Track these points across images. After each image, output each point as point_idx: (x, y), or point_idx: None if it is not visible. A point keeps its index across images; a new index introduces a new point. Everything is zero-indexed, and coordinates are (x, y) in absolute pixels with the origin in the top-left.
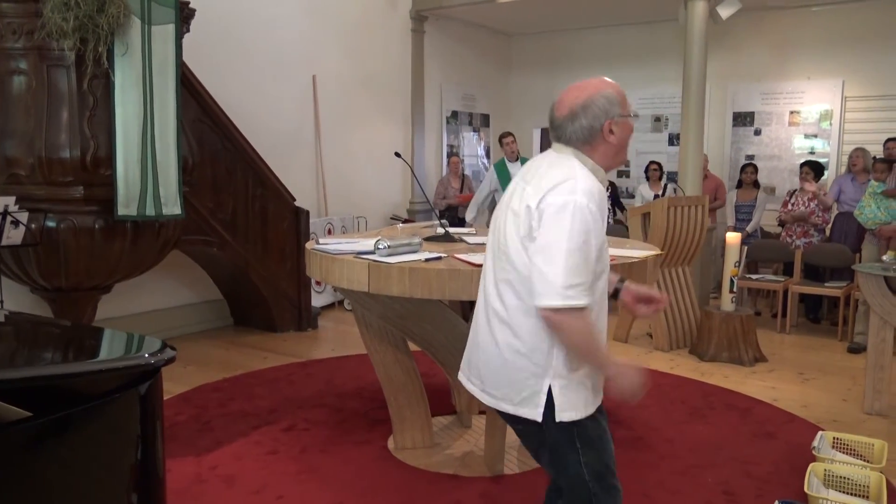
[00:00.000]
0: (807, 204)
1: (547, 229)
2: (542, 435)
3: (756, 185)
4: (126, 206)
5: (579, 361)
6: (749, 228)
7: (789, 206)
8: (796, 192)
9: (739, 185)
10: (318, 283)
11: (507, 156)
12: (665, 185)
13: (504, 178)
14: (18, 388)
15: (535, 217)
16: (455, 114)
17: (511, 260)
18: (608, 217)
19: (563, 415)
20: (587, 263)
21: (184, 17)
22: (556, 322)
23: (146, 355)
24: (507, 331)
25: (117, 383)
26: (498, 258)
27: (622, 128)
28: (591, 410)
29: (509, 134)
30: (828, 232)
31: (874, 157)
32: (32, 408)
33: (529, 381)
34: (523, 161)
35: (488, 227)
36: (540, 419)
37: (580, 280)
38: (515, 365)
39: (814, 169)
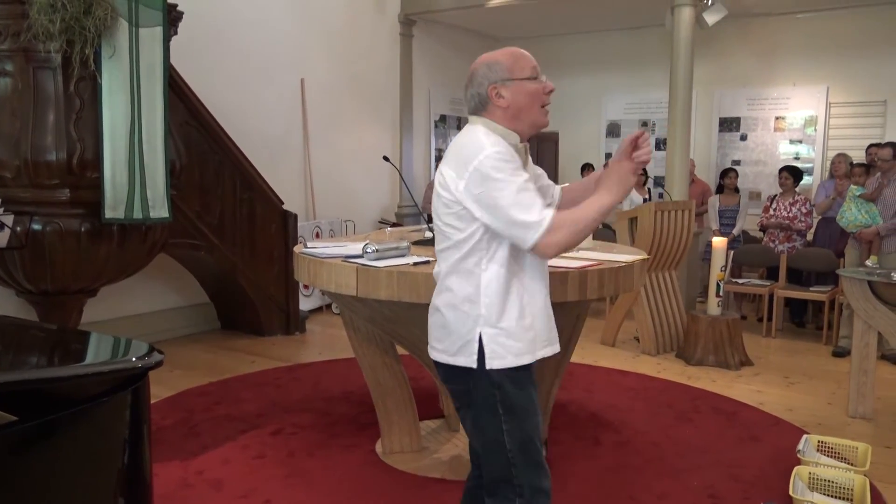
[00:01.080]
0: (788, 209)
1: (485, 196)
2: (471, 396)
3: (736, 189)
4: (113, 208)
5: (603, 217)
6: (735, 232)
7: (771, 212)
8: (777, 198)
9: (721, 189)
10: (305, 286)
11: None
12: (650, 190)
13: None
14: (4, 392)
15: (463, 194)
16: (443, 118)
17: (442, 231)
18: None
19: (493, 362)
20: (534, 191)
21: (171, 20)
22: (552, 245)
23: (133, 359)
24: (444, 292)
25: (105, 387)
26: (436, 234)
27: (514, 91)
28: (521, 362)
29: None
30: (810, 237)
31: (851, 163)
32: (19, 411)
33: (462, 330)
34: None
35: None
36: (474, 366)
37: (538, 204)
38: (450, 318)
39: (792, 174)
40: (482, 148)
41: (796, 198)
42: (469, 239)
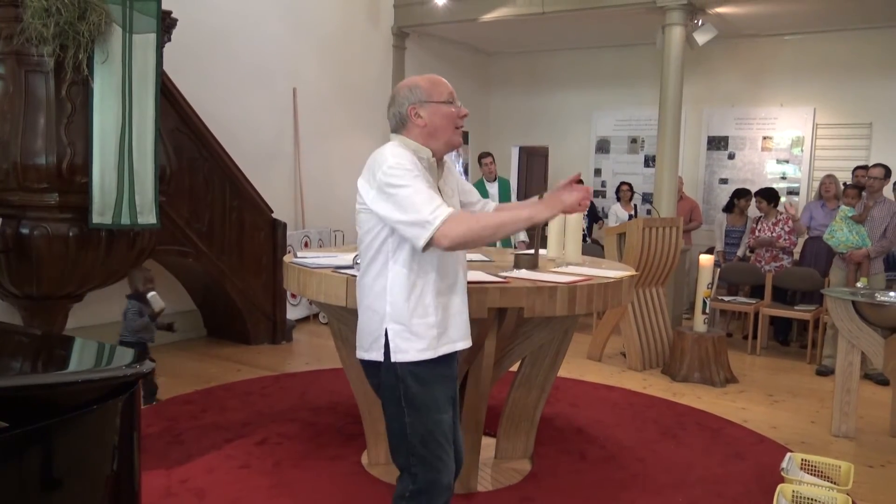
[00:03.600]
0: (772, 229)
1: (385, 197)
2: (381, 382)
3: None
4: (101, 214)
5: (510, 232)
6: (739, 253)
7: (756, 233)
8: (761, 219)
9: (730, 209)
10: (293, 295)
11: (485, 176)
12: (636, 206)
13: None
14: None
15: (371, 201)
16: None
17: (360, 237)
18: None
19: (397, 356)
20: (429, 193)
21: (165, 27)
22: (445, 242)
23: (124, 367)
24: (360, 292)
25: (95, 395)
26: (358, 240)
27: (431, 112)
28: (422, 356)
29: (488, 154)
30: (796, 255)
31: (844, 184)
32: (6, 417)
33: (374, 326)
34: (501, 181)
35: None
36: (381, 359)
37: (433, 204)
38: (367, 316)
39: (765, 197)
40: (385, 159)
41: (778, 217)
42: (375, 241)
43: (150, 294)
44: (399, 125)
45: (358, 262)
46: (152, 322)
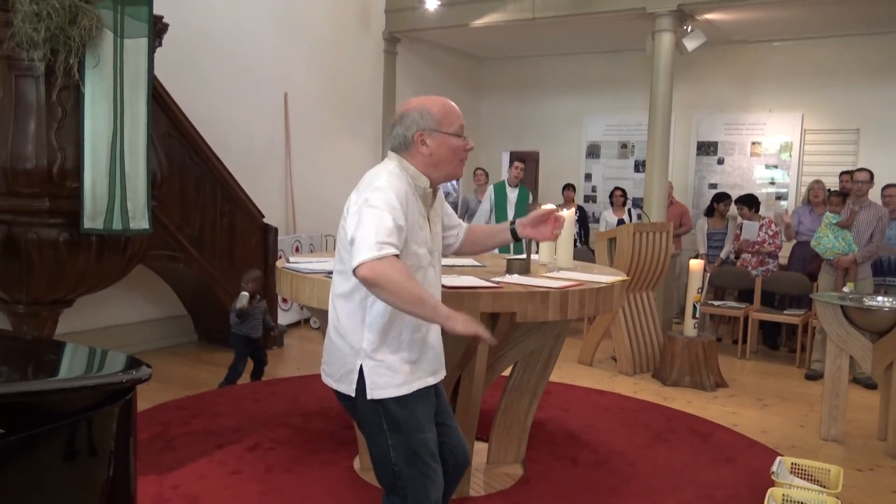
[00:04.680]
0: (756, 234)
1: (357, 211)
2: (357, 414)
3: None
4: (92, 219)
5: (409, 312)
6: (723, 255)
7: (741, 239)
8: (744, 224)
9: (710, 213)
10: (284, 300)
11: (510, 181)
12: (629, 210)
13: (500, 200)
14: None
15: (351, 214)
16: None
17: (339, 253)
18: (576, 241)
19: (374, 393)
20: (397, 230)
21: (157, 32)
22: (373, 277)
23: (121, 373)
24: (333, 314)
25: (92, 400)
26: (336, 256)
27: (439, 143)
28: (402, 392)
29: (522, 161)
30: (781, 259)
31: (829, 190)
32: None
33: (346, 359)
34: (522, 189)
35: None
36: (353, 395)
37: (391, 240)
38: (337, 345)
39: (746, 203)
40: (379, 181)
41: (762, 222)
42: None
43: (242, 293)
44: (401, 146)
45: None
46: (238, 318)
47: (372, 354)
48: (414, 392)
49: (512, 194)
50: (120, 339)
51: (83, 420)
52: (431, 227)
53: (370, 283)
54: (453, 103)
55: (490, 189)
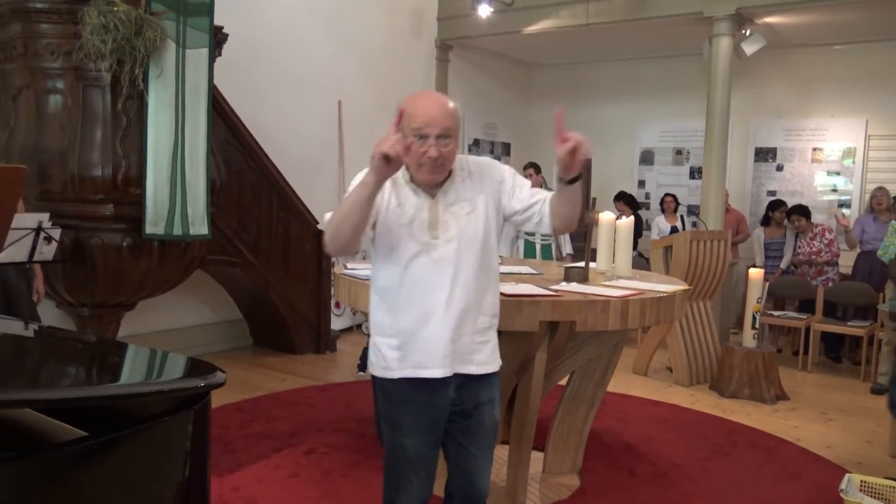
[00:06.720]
0: (810, 244)
1: None
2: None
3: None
4: (154, 224)
5: (354, 217)
6: (783, 265)
7: (796, 250)
8: (799, 236)
9: (767, 222)
10: (337, 305)
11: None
12: (682, 217)
13: None
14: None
15: None
16: (477, 141)
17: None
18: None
19: (370, 368)
20: (341, 205)
21: (217, 42)
22: (328, 247)
23: (198, 378)
24: None
25: (170, 405)
26: None
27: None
28: (384, 375)
29: (531, 165)
30: (844, 269)
31: (894, 197)
32: (79, 424)
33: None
34: None
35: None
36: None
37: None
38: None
39: (803, 214)
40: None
41: (815, 231)
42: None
43: None
44: None
45: None
46: None
47: (373, 335)
48: (402, 390)
49: None
50: (178, 341)
51: (163, 423)
52: (431, 213)
53: (332, 251)
54: (431, 99)
55: None
